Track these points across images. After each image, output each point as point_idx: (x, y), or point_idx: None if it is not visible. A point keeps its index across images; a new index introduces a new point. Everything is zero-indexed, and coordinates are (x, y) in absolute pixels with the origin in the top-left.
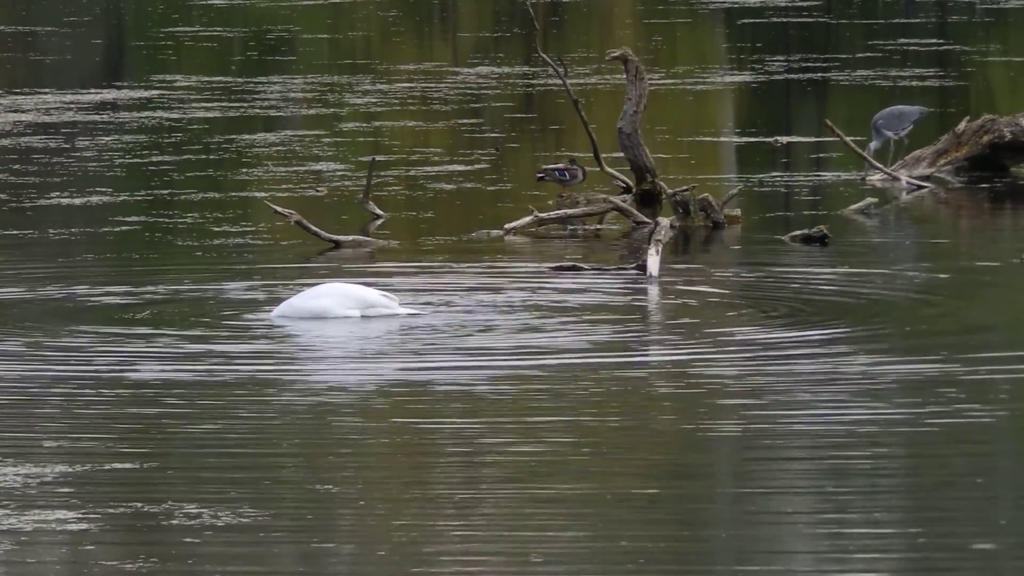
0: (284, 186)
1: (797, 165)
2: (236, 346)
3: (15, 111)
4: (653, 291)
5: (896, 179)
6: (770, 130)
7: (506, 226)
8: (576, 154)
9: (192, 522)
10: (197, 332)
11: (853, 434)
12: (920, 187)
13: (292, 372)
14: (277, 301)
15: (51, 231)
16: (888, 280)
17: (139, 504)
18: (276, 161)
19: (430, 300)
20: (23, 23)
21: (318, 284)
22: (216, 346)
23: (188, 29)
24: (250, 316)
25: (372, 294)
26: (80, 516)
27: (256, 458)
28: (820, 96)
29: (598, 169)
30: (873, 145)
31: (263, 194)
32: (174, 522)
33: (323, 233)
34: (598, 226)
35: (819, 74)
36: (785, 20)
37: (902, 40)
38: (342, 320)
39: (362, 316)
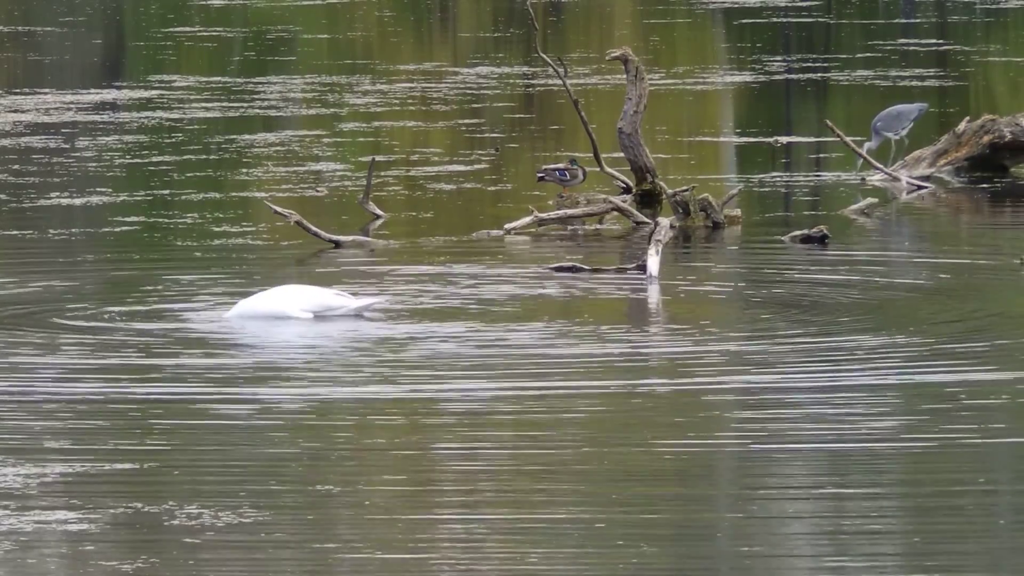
0: (284, 186)
1: (797, 165)
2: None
3: (15, 111)
4: (653, 291)
5: (896, 179)
6: (770, 130)
7: (506, 226)
8: (576, 154)
9: (192, 522)
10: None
11: (853, 436)
12: (920, 187)
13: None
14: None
15: (51, 231)
16: (888, 280)
17: (139, 504)
18: (276, 161)
19: (418, 301)
20: (20, 23)
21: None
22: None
23: (187, 29)
24: (205, 316)
25: (328, 296)
26: (80, 516)
27: (256, 458)
28: (820, 96)
29: (598, 169)
30: (869, 145)
31: (263, 194)
32: (174, 522)
33: (323, 233)
34: (598, 226)
35: (819, 74)
36: (784, 20)
37: (902, 40)
38: (302, 322)
39: (315, 317)
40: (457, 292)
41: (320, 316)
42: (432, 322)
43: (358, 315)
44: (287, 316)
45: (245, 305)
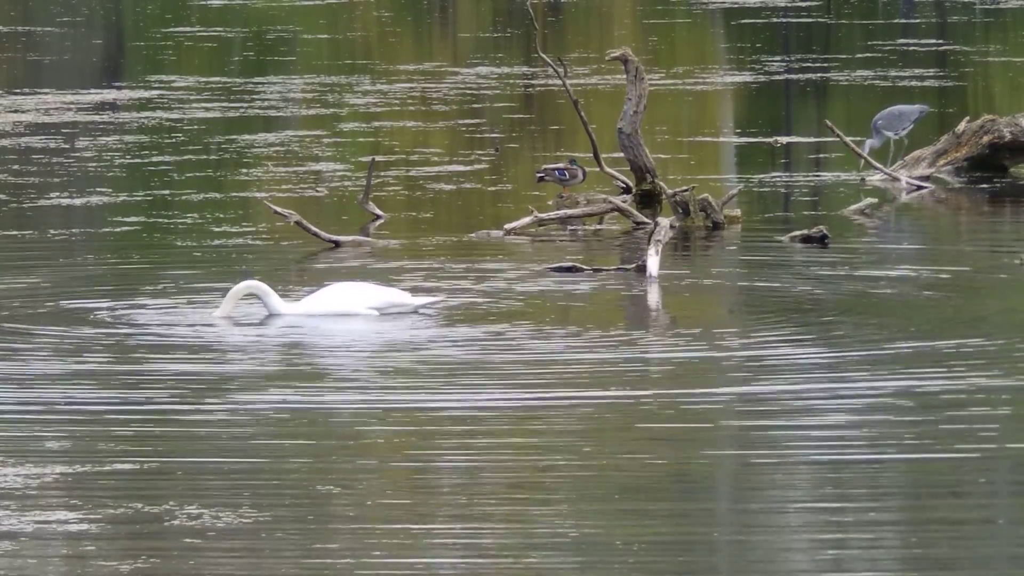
0: (284, 186)
1: (797, 165)
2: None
3: (15, 111)
4: (653, 291)
5: (896, 179)
6: (770, 130)
7: (506, 226)
8: (576, 154)
9: (192, 522)
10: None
11: (853, 439)
12: (920, 187)
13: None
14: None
15: (51, 231)
16: (888, 281)
17: (139, 504)
18: (276, 161)
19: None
20: (18, 23)
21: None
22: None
23: (187, 29)
24: (207, 317)
25: (392, 293)
26: (80, 516)
27: (257, 458)
28: (820, 96)
29: (598, 169)
30: (870, 143)
31: (263, 194)
32: (174, 522)
33: (323, 233)
34: (598, 226)
35: (819, 74)
36: (784, 20)
37: (901, 40)
38: (361, 319)
39: (380, 314)
40: (455, 292)
41: (384, 313)
42: (428, 326)
43: (415, 311)
44: (354, 314)
45: (308, 304)
